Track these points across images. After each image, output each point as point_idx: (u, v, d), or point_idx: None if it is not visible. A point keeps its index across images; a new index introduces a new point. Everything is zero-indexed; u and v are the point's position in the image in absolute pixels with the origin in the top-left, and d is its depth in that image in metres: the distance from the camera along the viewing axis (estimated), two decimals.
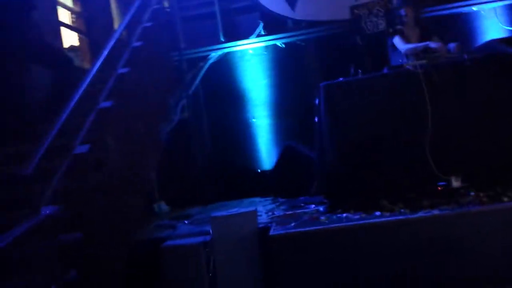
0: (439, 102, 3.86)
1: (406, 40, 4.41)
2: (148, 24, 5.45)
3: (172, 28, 5.97)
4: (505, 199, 3.39)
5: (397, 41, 4.43)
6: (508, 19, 5.56)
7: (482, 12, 5.62)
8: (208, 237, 3.76)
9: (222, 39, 5.90)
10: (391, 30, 4.85)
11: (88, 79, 4.08)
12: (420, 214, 3.40)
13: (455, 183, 3.69)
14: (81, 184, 3.59)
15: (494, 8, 5.60)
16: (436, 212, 3.37)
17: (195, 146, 5.79)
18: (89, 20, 6.36)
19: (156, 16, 5.75)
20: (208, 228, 3.82)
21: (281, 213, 4.22)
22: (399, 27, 4.53)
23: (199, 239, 3.75)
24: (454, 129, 3.85)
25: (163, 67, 5.74)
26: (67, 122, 3.71)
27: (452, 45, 4.20)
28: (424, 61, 4.00)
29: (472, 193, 3.57)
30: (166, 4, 6.27)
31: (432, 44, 4.18)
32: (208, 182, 5.68)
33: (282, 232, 3.53)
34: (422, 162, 3.79)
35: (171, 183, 5.35)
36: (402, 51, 4.38)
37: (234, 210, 3.92)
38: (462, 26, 5.51)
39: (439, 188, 3.73)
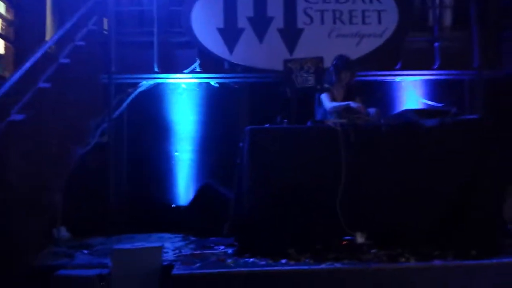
0: (354, 160, 4.01)
1: (332, 99, 4.61)
2: (81, 43, 5.30)
3: (105, 51, 5.85)
4: (402, 259, 3.53)
5: (324, 98, 4.62)
6: (425, 92, 6.03)
7: (403, 83, 6.07)
8: (106, 270, 3.54)
9: (156, 69, 5.85)
10: (318, 87, 5.08)
11: (3, 90, 3.84)
12: (323, 266, 3.45)
13: (360, 239, 3.80)
14: None
15: (414, 82, 6.08)
16: (338, 265, 3.44)
17: (109, 173, 5.56)
18: (20, 29, 6.08)
19: (91, 37, 5.61)
20: (108, 261, 3.61)
21: (189, 252, 4.10)
22: (326, 85, 4.73)
23: (96, 271, 3.53)
24: (365, 187, 4.00)
25: (89, 88, 5.55)
26: None
27: (372, 110, 4.44)
28: (344, 120, 4.18)
29: (374, 251, 3.69)
30: (105, 26, 6.16)
31: (353, 104, 4.41)
32: (117, 212, 5.44)
33: (185, 272, 3.41)
34: (332, 215, 3.89)
35: (76, 209, 5.05)
36: (327, 108, 4.57)
37: (138, 244, 3.75)
38: (383, 93, 5.89)
39: (344, 243, 3.82)
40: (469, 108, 6.00)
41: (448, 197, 4.01)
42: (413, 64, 5.92)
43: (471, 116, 4.57)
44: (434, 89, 6.08)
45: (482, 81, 6.05)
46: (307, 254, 3.70)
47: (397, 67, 5.94)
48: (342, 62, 4.69)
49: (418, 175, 4.05)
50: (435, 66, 6.03)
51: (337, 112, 4.44)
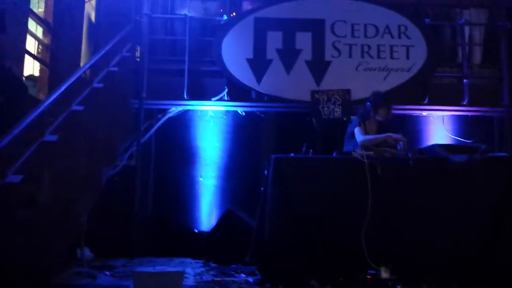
0: (380, 193, 3.97)
1: (365, 132, 4.60)
2: (114, 68, 5.48)
3: (137, 77, 6.02)
4: None
5: (357, 131, 4.61)
6: (453, 127, 5.98)
7: (431, 118, 6.04)
8: None
9: (186, 97, 5.98)
10: (345, 118, 5.10)
11: (39, 110, 3.97)
12: None
13: (384, 274, 3.73)
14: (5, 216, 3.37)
15: (442, 116, 6.04)
16: None
17: (136, 196, 5.65)
18: (56, 53, 6.35)
19: (124, 63, 5.80)
20: (130, 283, 3.63)
21: (210, 278, 4.09)
22: (353, 117, 4.72)
23: None
24: (391, 221, 3.95)
25: (120, 112, 5.71)
26: (6, 149, 3.54)
27: (400, 144, 4.41)
28: (371, 153, 4.16)
29: (399, 287, 3.61)
30: (137, 53, 6.37)
31: (394, 135, 4.39)
32: (141, 234, 5.49)
33: None
34: (356, 248, 3.83)
35: (100, 229, 5.11)
36: (360, 140, 4.52)
37: (160, 268, 3.76)
38: (412, 127, 5.86)
39: (368, 277, 3.75)
40: (498, 145, 5.92)
41: (475, 235, 3.93)
42: (441, 99, 5.90)
43: (500, 154, 4.51)
44: (462, 125, 6.03)
45: (511, 119, 5.98)
46: (330, 286, 3.64)
47: (425, 101, 5.92)
48: (380, 98, 4.70)
49: (445, 211, 3.99)
50: (464, 102, 5.99)
51: (365, 145, 4.41)
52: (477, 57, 6.26)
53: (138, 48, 6.37)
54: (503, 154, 4.68)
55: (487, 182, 4.03)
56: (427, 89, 6.02)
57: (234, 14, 6.26)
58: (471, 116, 6.03)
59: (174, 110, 6.04)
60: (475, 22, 6.24)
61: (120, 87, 5.67)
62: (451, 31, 6.36)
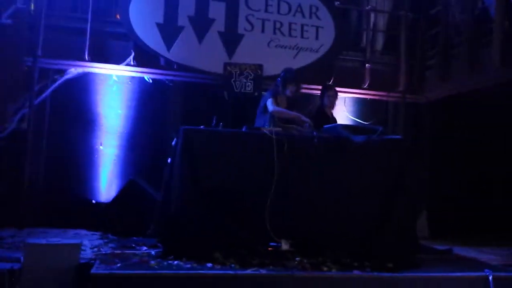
0: (285, 169, 4.06)
1: (277, 106, 4.65)
2: (7, 21, 4.93)
3: (32, 32, 5.47)
4: (325, 268, 3.64)
5: (269, 102, 4.63)
6: (353, 109, 6.30)
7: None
8: (17, 265, 3.27)
9: (87, 58, 5.57)
10: (256, 93, 5.12)
11: None
12: (248, 271, 3.44)
13: (285, 246, 3.86)
14: None
15: (344, 98, 6.31)
16: (263, 271, 3.45)
17: (26, 162, 5.19)
18: None
19: (18, 16, 5.24)
20: (20, 255, 3.34)
21: (109, 251, 3.91)
22: (263, 93, 4.74)
23: (6, 265, 3.25)
24: (293, 196, 4.07)
25: (10, 69, 5.17)
26: None
27: (306, 125, 4.53)
28: (279, 129, 4.24)
29: (298, 259, 3.76)
30: (32, 6, 5.76)
31: (303, 118, 4.49)
32: (31, 204, 5.08)
33: (105, 271, 3.23)
34: (260, 222, 3.90)
35: None
36: (270, 110, 4.57)
37: (53, 240, 3.50)
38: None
39: (270, 249, 3.86)
40: (392, 127, 6.35)
41: (370, 211, 4.19)
42: (344, 81, 6.14)
43: (394, 137, 4.82)
44: (362, 107, 6.36)
45: (405, 104, 6.43)
46: (232, 258, 3.67)
47: (330, 82, 6.13)
48: (291, 76, 4.76)
49: (344, 188, 4.19)
50: (365, 86, 6.31)
51: (274, 120, 4.47)
52: (380, 43, 6.60)
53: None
54: (397, 136, 5.03)
55: (382, 161, 4.29)
56: (332, 70, 6.24)
57: None
58: (370, 99, 6.38)
59: (73, 71, 5.61)
60: (380, 9, 6.55)
61: (12, 42, 5.13)
62: (358, 16, 6.61)
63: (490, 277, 3.64)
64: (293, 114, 4.55)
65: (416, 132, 6.44)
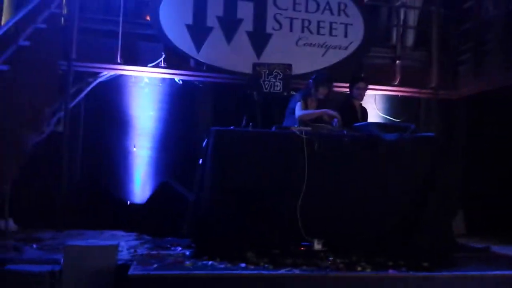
0: (316, 168, 4.07)
1: (305, 109, 4.67)
2: (42, 25, 5.05)
3: (66, 36, 5.60)
4: (359, 268, 3.62)
5: (297, 106, 4.68)
6: (384, 106, 6.22)
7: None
8: (57, 267, 3.37)
9: (119, 61, 5.68)
10: (285, 93, 5.13)
11: None
12: (282, 271, 3.45)
13: (317, 246, 3.88)
14: None
15: (374, 95, 6.25)
16: (296, 271, 3.46)
17: (64, 165, 5.32)
18: None
19: (53, 20, 5.37)
20: (60, 257, 3.45)
21: (145, 251, 3.99)
22: (293, 92, 4.76)
23: (47, 267, 3.35)
24: (325, 195, 4.07)
25: (47, 73, 5.31)
26: None
27: (335, 121, 4.52)
28: (309, 128, 4.23)
29: (331, 258, 3.77)
30: (65, 10, 5.91)
31: (330, 112, 4.48)
32: (69, 205, 5.21)
33: (142, 272, 3.31)
34: (292, 222, 3.93)
35: (25, 200, 4.79)
36: (298, 115, 4.62)
37: (92, 241, 3.60)
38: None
39: (302, 249, 3.88)
40: (424, 125, 6.25)
41: (404, 209, 4.16)
42: (374, 79, 6.06)
43: (427, 134, 4.75)
44: (392, 104, 6.29)
45: (437, 101, 6.32)
46: (266, 258, 3.69)
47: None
48: (323, 78, 4.79)
49: (376, 186, 4.17)
50: (395, 83, 6.23)
51: (304, 121, 4.48)
52: (410, 39, 6.49)
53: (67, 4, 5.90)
54: (429, 134, 4.96)
55: (415, 160, 4.25)
56: (362, 68, 6.17)
57: None
58: (402, 96, 6.29)
59: (106, 74, 5.73)
60: (411, 5, 6.44)
61: (48, 46, 5.27)
62: (387, 12, 6.52)
63: None
64: (319, 112, 4.57)
65: (450, 129, 6.31)
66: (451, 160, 5.16)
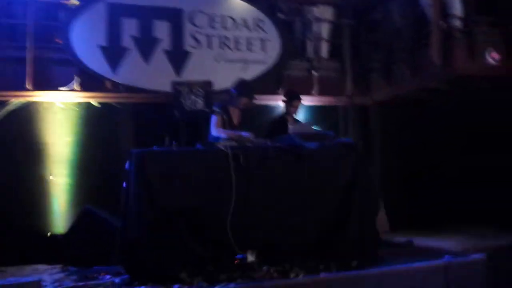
0: (243, 182, 4.09)
1: (222, 123, 4.67)
2: None
3: None
4: (292, 274, 3.69)
5: (213, 122, 4.66)
6: (305, 116, 6.39)
7: None
8: None
9: (28, 87, 5.39)
10: (207, 110, 5.13)
11: None
12: (217, 287, 3.42)
13: (251, 257, 3.90)
14: None
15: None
16: (232, 285, 3.44)
17: None
18: None
19: None
20: None
21: (71, 284, 3.78)
22: (215, 108, 4.76)
23: None
24: (254, 207, 4.10)
25: None
26: None
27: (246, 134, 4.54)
28: (233, 143, 4.26)
29: (265, 268, 3.81)
30: None
31: (244, 134, 4.52)
32: None
33: None
34: (224, 237, 3.92)
35: None
36: (213, 133, 4.63)
37: (12, 279, 3.36)
38: (267, 116, 6.06)
39: (236, 262, 3.88)
40: (343, 131, 6.52)
41: (330, 213, 4.29)
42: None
43: (346, 140, 4.97)
44: (312, 114, 6.48)
45: (353, 108, 6.62)
46: (200, 277, 3.66)
47: (279, 91, 6.21)
48: (244, 87, 4.81)
49: (302, 194, 4.27)
50: (313, 92, 6.45)
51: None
52: (324, 51, 6.75)
53: None
54: (348, 139, 5.18)
55: (336, 165, 4.42)
56: (281, 80, 6.34)
57: None
58: (320, 105, 6.52)
59: (15, 102, 5.41)
60: (323, 18, 6.73)
61: None
62: (302, 26, 6.76)
63: (450, 263, 3.82)
64: (234, 134, 4.54)
65: (366, 133, 6.63)
66: (369, 162, 5.42)
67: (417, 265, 3.91)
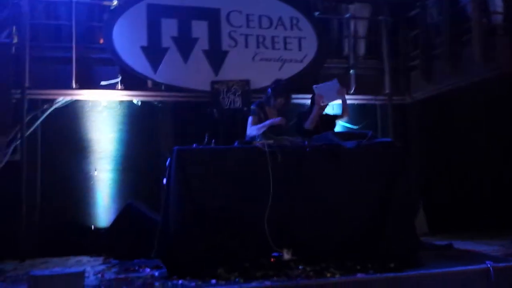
0: (280, 180, 4.12)
1: (262, 120, 4.69)
2: None
3: (18, 65, 5.49)
4: (328, 274, 3.68)
5: (249, 121, 4.70)
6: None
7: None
8: None
9: (74, 86, 5.60)
10: (245, 108, 5.19)
11: None
12: (253, 284, 3.47)
13: (287, 256, 3.91)
14: None
15: (332, 105, 6.35)
16: (267, 283, 3.47)
17: (22, 193, 5.19)
18: None
19: (3, 51, 5.27)
20: None
21: (113, 276, 3.92)
22: (253, 107, 4.81)
23: None
24: (291, 205, 4.12)
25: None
26: None
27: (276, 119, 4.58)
28: (271, 141, 4.30)
29: (301, 267, 3.81)
30: (15, 39, 5.79)
31: (276, 120, 4.53)
32: (31, 234, 5.07)
33: None
34: (260, 234, 3.95)
35: None
36: (248, 132, 4.65)
37: (57, 270, 3.52)
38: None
39: (272, 260, 3.90)
40: (382, 130, 6.44)
41: (368, 213, 4.25)
42: None
43: (384, 139, 4.91)
44: (351, 113, 6.40)
45: (392, 106, 6.54)
46: (236, 273, 3.70)
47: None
48: (280, 87, 4.82)
49: (339, 193, 4.25)
50: (351, 91, 6.40)
51: (265, 134, 4.53)
52: (362, 49, 6.70)
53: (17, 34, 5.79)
54: (387, 139, 5.12)
55: (374, 164, 4.36)
56: (318, 79, 6.31)
57: None
58: (358, 104, 6.47)
59: (62, 100, 5.64)
60: (360, 16, 6.68)
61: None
62: (338, 24, 6.73)
63: (491, 268, 3.72)
64: (267, 123, 4.56)
65: (405, 132, 6.54)
66: (408, 162, 5.34)
67: (457, 269, 3.82)
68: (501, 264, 3.85)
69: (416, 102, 6.57)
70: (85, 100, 5.74)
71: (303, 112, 5.01)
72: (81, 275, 3.47)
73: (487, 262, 3.81)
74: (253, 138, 4.56)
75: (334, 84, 4.87)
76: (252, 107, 4.80)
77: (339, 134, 4.74)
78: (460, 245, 4.93)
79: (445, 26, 5.93)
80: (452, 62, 5.81)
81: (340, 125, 6.27)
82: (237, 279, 3.58)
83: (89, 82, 5.72)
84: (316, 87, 4.76)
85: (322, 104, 4.77)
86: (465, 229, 5.86)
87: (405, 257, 4.00)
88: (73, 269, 3.59)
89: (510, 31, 5.34)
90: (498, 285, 3.69)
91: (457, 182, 6.30)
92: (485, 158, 6.35)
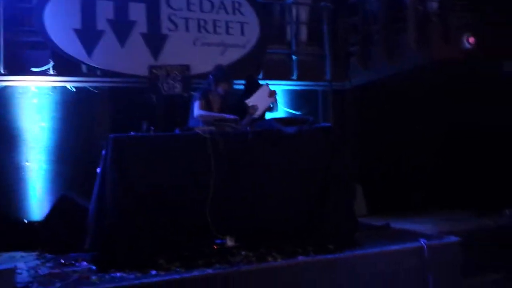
0: (222, 167, 4.10)
1: (205, 107, 4.64)
2: None
3: None
4: (270, 259, 3.73)
5: (195, 106, 4.63)
6: (285, 101, 6.40)
7: None
8: None
9: (2, 72, 5.25)
10: (186, 94, 5.09)
11: None
12: (195, 273, 3.45)
13: (230, 242, 3.93)
14: None
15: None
16: (209, 271, 3.47)
17: None
18: None
19: None
20: None
21: (47, 271, 3.75)
22: (193, 93, 4.73)
23: None
24: (233, 192, 4.13)
25: None
26: None
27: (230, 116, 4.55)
28: (213, 128, 4.24)
29: (243, 253, 3.84)
30: None
31: (228, 116, 4.50)
32: None
33: None
34: (203, 222, 3.94)
35: None
36: (195, 115, 4.59)
37: None
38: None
39: (215, 247, 3.90)
40: (322, 116, 6.53)
41: (307, 198, 4.34)
42: (273, 74, 6.23)
43: (324, 125, 4.99)
44: (293, 98, 6.49)
45: (332, 92, 6.64)
46: (178, 262, 3.66)
47: (259, 76, 6.18)
48: (222, 73, 4.78)
49: (281, 179, 4.31)
50: (293, 77, 6.43)
51: (207, 120, 4.47)
52: (304, 35, 6.74)
53: None
54: (327, 124, 5.20)
55: (314, 149, 4.46)
56: (260, 64, 6.30)
57: None
58: (300, 90, 6.52)
59: None
60: (301, 2, 6.68)
61: None
62: (280, 10, 6.71)
63: (425, 246, 3.90)
64: (217, 116, 4.56)
65: (344, 117, 6.67)
66: (346, 147, 5.47)
67: (393, 247, 3.99)
68: (434, 241, 4.04)
69: (355, 88, 6.70)
70: (15, 86, 5.39)
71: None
72: (11, 271, 3.33)
73: (421, 240, 3.99)
74: (196, 124, 4.48)
75: (264, 89, 4.92)
76: (197, 93, 4.75)
77: (281, 120, 4.76)
78: (397, 224, 5.13)
79: (382, 13, 6.06)
80: (388, 49, 5.96)
81: (283, 111, 6.34)
82: (178, 269, 3.54)
83: (19, 67, 5.38)
84: (248, 101, 4.80)
85: (256, 116, 4.79)
86: (402, 209, 6.10)
87: (344, 239, 4.12)
88: (3, 266, 3.38)
89: (444, 19, 5.52)
90: (432, 261, 3.87)
91: (393, 164, 6.52)
92: (420, 141, 6.59)
